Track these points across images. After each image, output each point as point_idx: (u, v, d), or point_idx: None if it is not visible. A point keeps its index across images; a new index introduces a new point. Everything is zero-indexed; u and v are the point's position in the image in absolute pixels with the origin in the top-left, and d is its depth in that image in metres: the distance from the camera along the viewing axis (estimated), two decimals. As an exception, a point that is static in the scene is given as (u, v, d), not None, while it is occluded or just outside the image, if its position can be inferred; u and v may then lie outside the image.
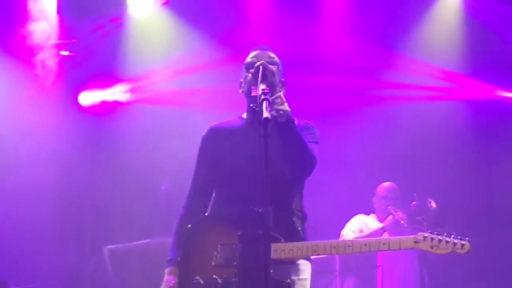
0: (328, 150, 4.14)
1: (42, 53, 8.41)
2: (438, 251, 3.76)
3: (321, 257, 6.33)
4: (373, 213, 7.62)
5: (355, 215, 7.55)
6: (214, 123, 4.26)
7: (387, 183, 7.65)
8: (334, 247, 3.85)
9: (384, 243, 3.87)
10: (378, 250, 4.36)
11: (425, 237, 3.75)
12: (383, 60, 8.46)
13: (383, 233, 7.16)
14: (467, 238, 3.75)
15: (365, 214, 7.60)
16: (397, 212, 7.27)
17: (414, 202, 7.38)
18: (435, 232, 3.78)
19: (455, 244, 3.73)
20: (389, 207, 7.39)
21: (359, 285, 6.74)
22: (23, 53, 8.25)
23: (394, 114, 8.49)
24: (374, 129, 8.49)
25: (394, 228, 7.20)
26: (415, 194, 7.45)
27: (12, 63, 8.31)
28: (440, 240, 3.74)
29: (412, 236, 3.81)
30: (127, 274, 6.95)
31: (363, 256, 6.79)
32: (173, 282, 3.99)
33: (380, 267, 6.65)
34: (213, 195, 4.15)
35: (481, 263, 7.87)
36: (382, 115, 8.52)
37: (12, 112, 8.18)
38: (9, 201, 7.93)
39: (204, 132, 4.25)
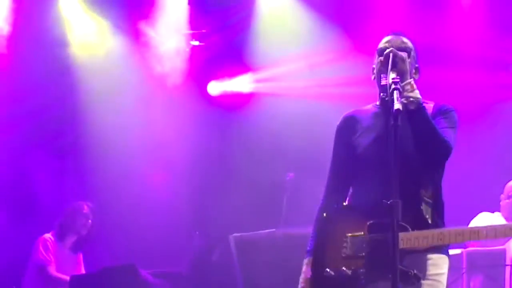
0: (459, 145, 3.99)
1: (173, 43, 8.61)
2: None
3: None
4: (499, 211, 7.32)
5: (478, 213, 7.26)
6: (348, 111, 4.18)
7: None
8: (460, 234, 3.64)
9: None
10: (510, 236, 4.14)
11: None
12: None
13: None
14: None
15: (490, 212, 7.31)
16: None
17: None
18: None
19: None
20: None
21: (486, 284, 6.52)
22: (151, 44, 8.48)
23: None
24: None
25: None
26: None
27: (141, 56, 8.54)
28: None
29: None
30: (252, 263, 6.97)
31: (491, 255, 6.59)
32: (311, 273, 3.98)
33: (509, 266, 6.41)
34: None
35: None
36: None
37: (146, 108, 8.41)
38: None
39: (338, 122, 4.17)
